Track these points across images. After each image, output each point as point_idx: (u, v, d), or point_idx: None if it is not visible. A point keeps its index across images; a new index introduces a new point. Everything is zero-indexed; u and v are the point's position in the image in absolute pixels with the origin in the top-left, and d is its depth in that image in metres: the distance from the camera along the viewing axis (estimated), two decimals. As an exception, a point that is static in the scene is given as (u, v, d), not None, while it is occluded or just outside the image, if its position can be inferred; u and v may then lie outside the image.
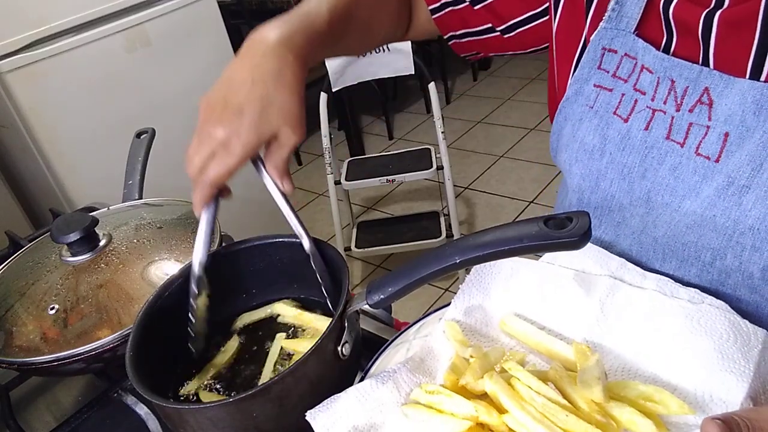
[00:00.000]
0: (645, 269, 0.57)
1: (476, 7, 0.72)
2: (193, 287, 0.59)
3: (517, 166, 2.85)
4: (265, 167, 0.56)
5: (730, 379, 0.45)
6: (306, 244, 0.59)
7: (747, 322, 0.49)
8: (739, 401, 0.44)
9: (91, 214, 0.76)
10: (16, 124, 1.64)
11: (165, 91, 1.87)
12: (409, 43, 1.89)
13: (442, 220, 2.21)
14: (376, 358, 0.58)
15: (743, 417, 0.38)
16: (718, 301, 0.51)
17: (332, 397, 0.51)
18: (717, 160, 0.52)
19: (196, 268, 0.59)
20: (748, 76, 0.51)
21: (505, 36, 0.73)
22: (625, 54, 0.58)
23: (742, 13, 0.51)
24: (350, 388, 0.51)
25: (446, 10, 0.75)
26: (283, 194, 0.56)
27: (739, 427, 0.37)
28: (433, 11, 0.76)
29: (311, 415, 0.49)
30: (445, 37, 0.78)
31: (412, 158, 2.18)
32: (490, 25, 0.73)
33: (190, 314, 0.60)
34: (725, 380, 0.45)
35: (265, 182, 0.56)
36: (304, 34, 0.57)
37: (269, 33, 0.56)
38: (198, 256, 0.59)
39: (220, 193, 0.57)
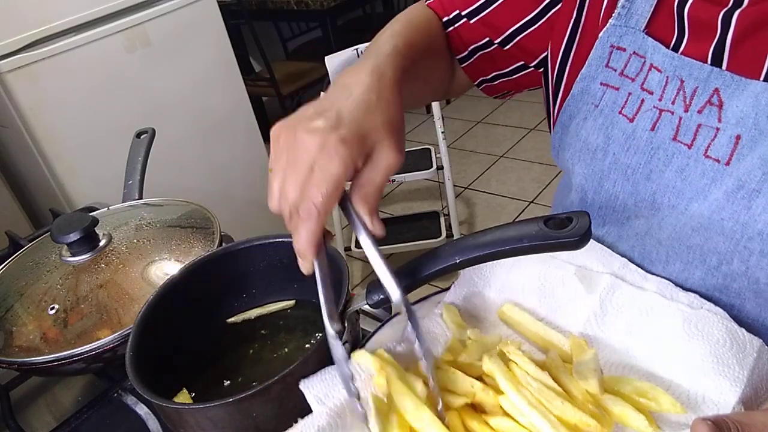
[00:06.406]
0: (647, 271, 0.57)
1: (506, 48, 0.70)
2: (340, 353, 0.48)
3: (517, 166, 2.84)
4: (350, 200, 0.46)
5: (723, 383, 0.45)
6: (395, 296, 0.47)
7: (744, 330, 0.49)
8: (731, 405, 0.44)
9: (91, 214, 0.76)
10: (16, 124, 1.64)
11: (165, 91, 1.87)
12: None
13: (442, 220, 2.21)
14: (373, 334, 0.58)
15: (734, 420, 0.38)
16: (717, 308, 0.51)
17: (327, 368, 0.51)
18: (727, 163, 0.50)
19: (330, 328, 0.48)
20: (762, 78, 0.49)
21: (540, 70, 0.71)
22: (634, 52, 0.57)
23: (762, 12, 0.49)
24: None
25: (476, 55, 0.72)
26: (372, 236, 0.47)
27: (729, 429, 0.37)
28: (462, 60, 0.73)
29: (305, 385, 0.50)
30: (476, 83, 0.76)
31: (412, 158, 2.17)
32: (522, 62, 0.71)
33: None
34: (719, 384, 0.45)
35: (353, 227, 0.46)
36: (394, 67, 0.53)
37: (361, 64, 0.52)
38: (327, 314, 0.48)
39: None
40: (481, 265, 0.59)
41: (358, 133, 0.45)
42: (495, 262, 0.59)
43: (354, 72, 0.51)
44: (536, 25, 0.67)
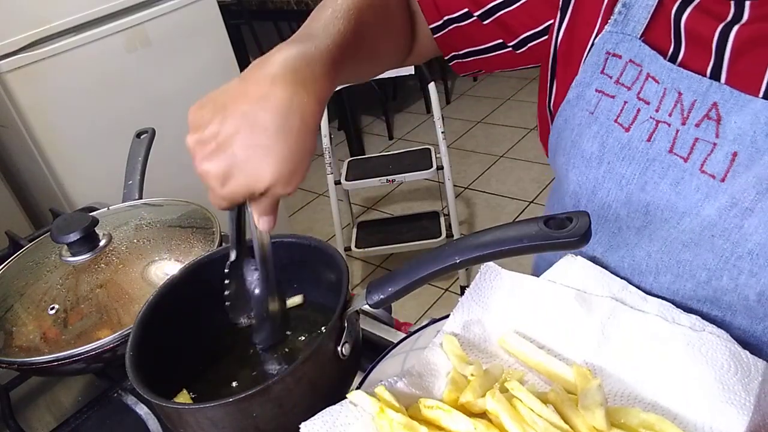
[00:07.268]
0: (638, 283, 0.56)
1: (486, 22, 0.67)
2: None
3: (517, 166, 2.84)
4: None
5: (730, 411, 0.44)
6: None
7: (747, 352, 0.48)
8: None
9: (91, 214, 0.76)
10: (16, 124, 1.64)
11: (165, 91, 1.87)
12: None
13: (442, 220, 2.21)
14: (371, 369, 0.57)
15: None
16: (719, 330, 0.50)
17: (327, 409, 0.50)
18: (722, 180, 0.50)
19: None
20: (761, 95, 0.48)
21: (517, 51, 0.69)
22: (630, 60, 0.56)
23: (762, 30, 0.49)
24: (346, 401, 0.50)
25: (450, 27, 0.70)
26: (257, 229, 0.53)
27: None
28: (435, 30, 0.71)
29: (306, 428, 0.49)
30: (446, 57, 0.74)
31: (412, 158, 2.17)
32: (500, 41, 0.69)
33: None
34: (726, 412, 0.45)
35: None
36: (323, 62, 0.49)
37: (283, 56, 0.48)
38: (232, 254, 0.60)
39: None
40: (479, 290, 0.59)
41: (247, 186, 0.48)
42: (494, 287, 0.59)
43: (267, 86, 0.46)
44: (520, 2, 0.65)
